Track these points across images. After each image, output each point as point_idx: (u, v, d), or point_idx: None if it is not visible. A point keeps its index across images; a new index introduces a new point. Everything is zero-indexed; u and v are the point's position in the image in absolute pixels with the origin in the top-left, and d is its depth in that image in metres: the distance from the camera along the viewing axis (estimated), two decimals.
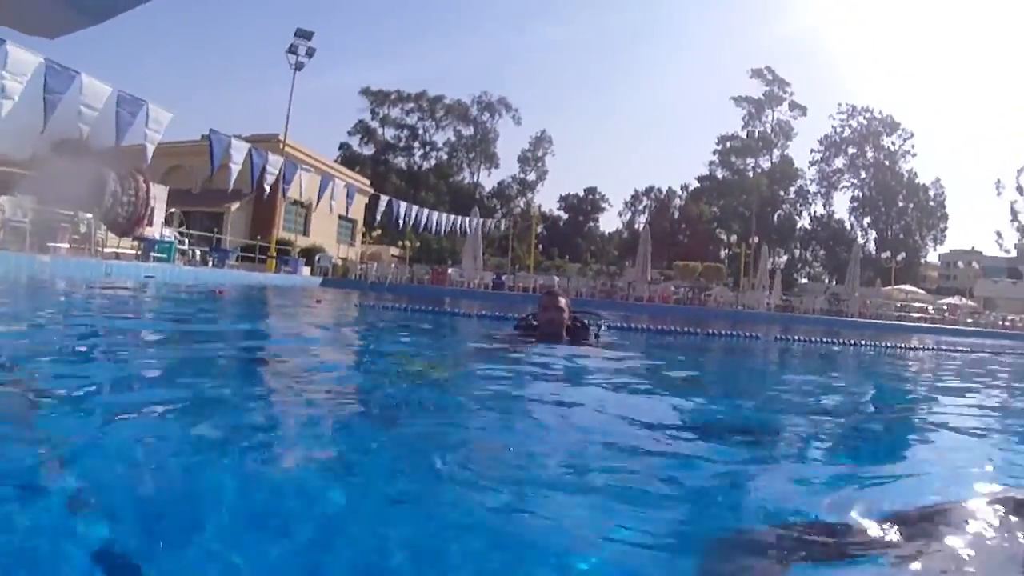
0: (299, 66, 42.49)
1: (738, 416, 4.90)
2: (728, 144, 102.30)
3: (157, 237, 27.06)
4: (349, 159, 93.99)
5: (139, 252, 25.68)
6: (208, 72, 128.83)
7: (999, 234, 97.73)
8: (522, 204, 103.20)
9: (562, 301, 7.83)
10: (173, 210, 32.87)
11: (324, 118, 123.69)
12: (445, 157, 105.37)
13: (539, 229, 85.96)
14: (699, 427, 4.20)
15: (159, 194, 28.87)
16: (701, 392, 6.34)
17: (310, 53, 42.74)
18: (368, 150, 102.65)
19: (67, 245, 21.27)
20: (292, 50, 42.42)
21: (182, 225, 33.56)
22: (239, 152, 23.13)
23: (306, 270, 38.28)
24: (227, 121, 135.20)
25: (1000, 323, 49.39)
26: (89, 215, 23.31)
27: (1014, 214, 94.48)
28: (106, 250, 24.45)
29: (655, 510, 2.36)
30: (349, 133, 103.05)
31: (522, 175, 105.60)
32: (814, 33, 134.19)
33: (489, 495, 2.42)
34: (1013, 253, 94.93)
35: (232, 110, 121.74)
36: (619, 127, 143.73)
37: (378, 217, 35.31)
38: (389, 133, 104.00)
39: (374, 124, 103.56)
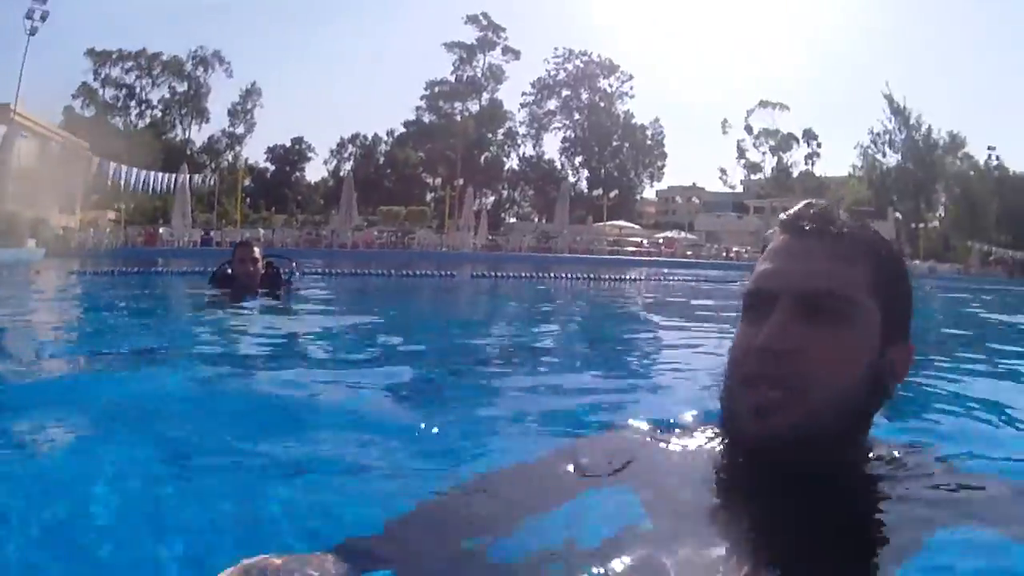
0: (33, 31, 42.50)
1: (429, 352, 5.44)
2: (436, 89, 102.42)
3: None
4: (72, 123, 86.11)
5: None
6: None
7: (723, 171, 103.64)
8: (230, 158, 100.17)
9: (256, 251, 8.11)
10: None
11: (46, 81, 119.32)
12: (159, 115, 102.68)
13: (246, 182, 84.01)
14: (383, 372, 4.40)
15: None
16: (389, 338, 6.39)
17: (44, 17, 42.94)
18: (90, 112, 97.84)
19: None
20: (28, 15, 42.31)
21: None
22: None
23: (31, 243, 34.71)
24: None
25: (724, 255, 52.32)
26: None
27: (741, 152, 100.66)
28: None
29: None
30: (72, 96, 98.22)
31: (231, 129, 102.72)
32: None
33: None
34: (739, 189, 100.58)
35: None
36: (329, 75, 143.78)
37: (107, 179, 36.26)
38: (109, 94, 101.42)
39: (96, 85, 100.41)
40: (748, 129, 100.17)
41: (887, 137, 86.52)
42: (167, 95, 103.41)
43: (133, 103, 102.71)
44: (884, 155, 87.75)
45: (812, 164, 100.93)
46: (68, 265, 22.96)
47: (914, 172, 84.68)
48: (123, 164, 38.52)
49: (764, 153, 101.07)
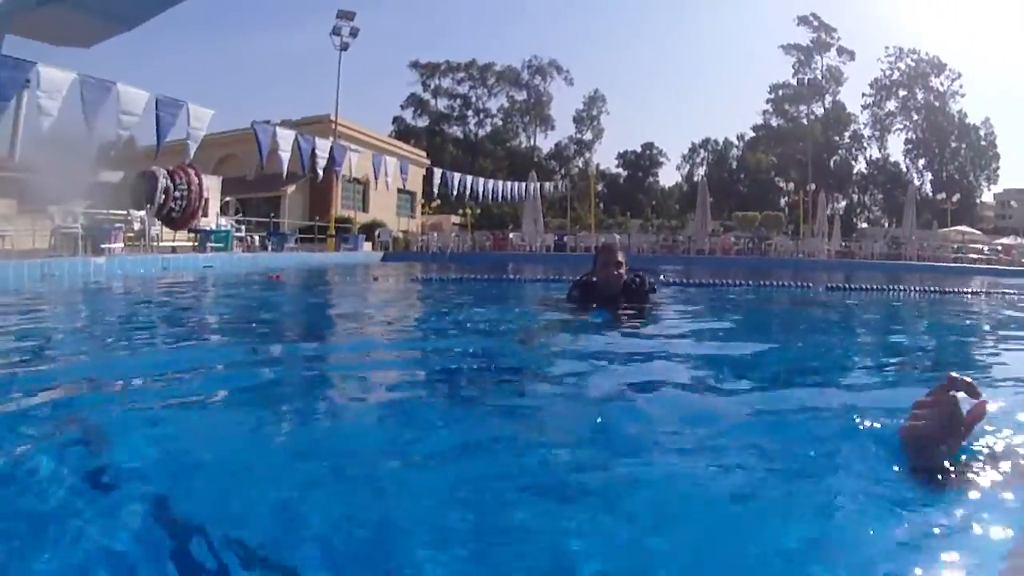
0: (344, 47, 42.42)
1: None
2: (780, 92, 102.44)
3: (212, 227, 27.33)
4: (403, 132, 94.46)
5: (196, 243, 26.09)
6: (255, 60, 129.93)
7: None
8: (580, 164, 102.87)
9: (620, 255, 7.71)
10: (228, 199, 33.20)
11: (376, 94, 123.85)
12: (500, 123, 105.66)
13: (598, 188, 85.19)
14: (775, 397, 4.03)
15: (212, 184, 29.15)
16: (766, 357, 5.91)
17: (354, 33, 42.69)
18: (422, 122, 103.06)
19: (121, 245, 21.42)
20: (336, 32, 42.34)
21: (238, 213, 34.06)
22: (286, 140, 23.45)
23: (367, 246, 38.39)
24: (279, 105, 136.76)
25: None
26: (142, 212, 23.59)
27: None
28: (162, 244, 24.81)
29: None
30: (401, 107, 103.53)
31: (578, 135, 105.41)
32: None
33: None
34: None
35: (283, 94, 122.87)
36: (671, 81, 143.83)
37: (435, 189, 35.33)
38: (442, 104, 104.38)
39: (426, 96, 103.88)
40: None
41: None
42: (506, 104, 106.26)
43: (470, 112, 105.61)
44: None
45: None
46: (413, 268, 24.07)
47: None
48: (470, 171, 33.73)
49: None
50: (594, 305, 7.52)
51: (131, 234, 23.56)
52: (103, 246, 20.14)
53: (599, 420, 3.21)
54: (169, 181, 23.94)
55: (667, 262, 31.32)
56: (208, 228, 26.85)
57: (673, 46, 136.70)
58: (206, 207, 26.94)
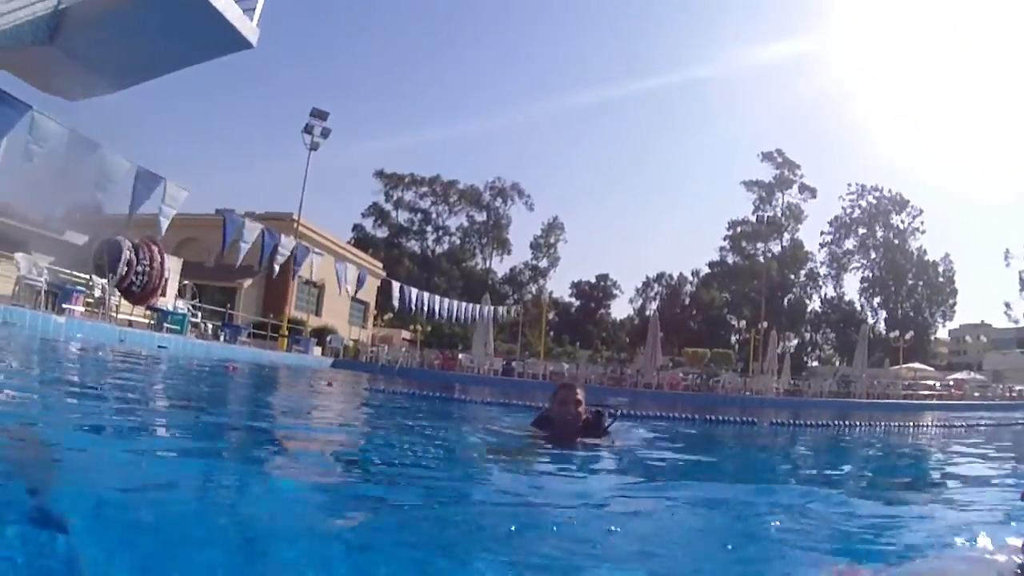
0: (314, 146, 42.63)
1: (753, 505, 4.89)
2: (739, 229, 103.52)
3: (170, 308, 27.27)
4: (362, 241, 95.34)
5: (152, 322, 26.04)
6: (227, 146, 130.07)
7: (1008, 305, 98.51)
8: (534, 290, 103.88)
9: (579, 394, 7.72)
10: (187, 282, 33.12)
11: (339, 195, 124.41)
12: (458, 242, 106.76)
13: (550, 315, 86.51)
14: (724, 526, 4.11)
15: (173, 265, 29.30)
16: (719, 487, 6.20)
17: (325, 133, 43.06)
18: (381, 232, 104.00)
19: (81, 308, 21.46)
20: (307, 130, 42.59)
21: (195, 298, 34.00)
22: (252, 232, 23.42)
23: (317, 350, 38.29)
24: (243, 195, 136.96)
25: (1008, 394, 50.13)
26: (104, 280, 23.61)
27: (1023, 283, 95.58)
28: (120, 316, 24.72)
29: None
30: (363, 215, 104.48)
31: (534, 261, 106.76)
32: (826, 111, 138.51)
33: None
34: (1022, 323, 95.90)
35: (248, 184, 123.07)
36: (631, 214, 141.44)
37: (395, 303, 35.52)
38: (402, 216, 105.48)
39: (388, 207, 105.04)
40: None
41: None
42: (465, 223, 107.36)
43: (430, 228, 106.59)
44: None
45: None
46: (360, 378, 24.33)
47: None
48: (423, 289, 36.80)
49: None
50: (550, 439, 7.50)
51: (90, 300, 23.59)
52: (64, 306, 20.19)
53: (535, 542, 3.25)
54: (133, 254, 23.97)
55: (615, 394, 31.14)
56: (166, 309, 26.84)
57: (637, 178, 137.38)
58: (165, 287, 26.97)
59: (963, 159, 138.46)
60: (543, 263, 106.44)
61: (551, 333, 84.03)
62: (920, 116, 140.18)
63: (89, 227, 25.20)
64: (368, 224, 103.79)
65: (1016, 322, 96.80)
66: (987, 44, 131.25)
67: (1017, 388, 51.69)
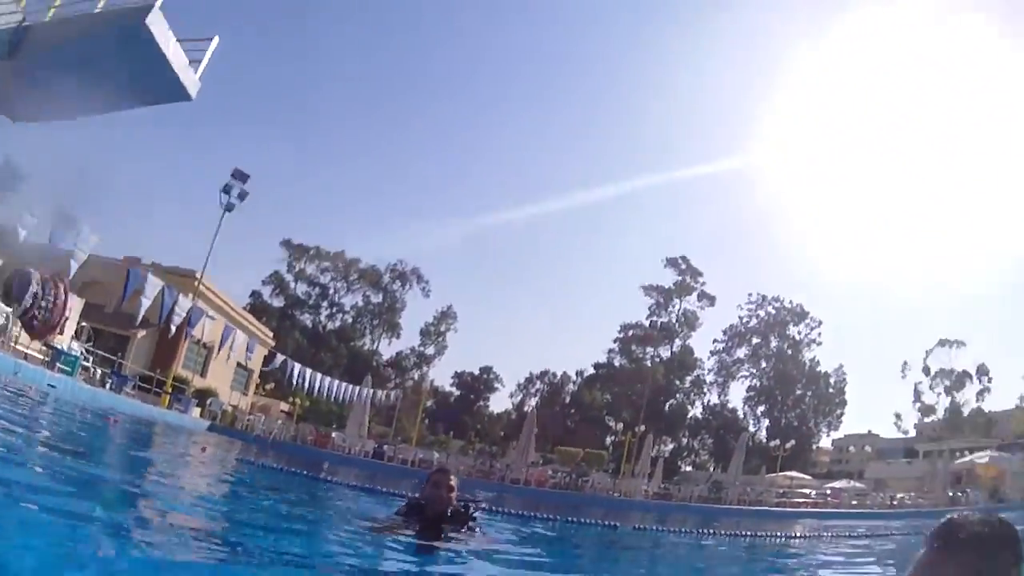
0: (229, 207, 42.00)
1: None
2: (631, 332, 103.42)
3: (65, 348, 27.49)
4: (258, 307, 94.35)
5: (47, 359, 26.11)
6: (145, 192, 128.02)
7: (898, 416, 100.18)
8: (416, 376, 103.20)
9: (452, 480, 7.82)
10: (84, 324, 33.34)
11: (246, 255, 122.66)
12: (350, 321, 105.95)
13: (428, 403, 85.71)
14: None
15: (75, 305, 28.98)
16: None
17: (243, 196, 42.41)
18: (278, 302, 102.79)
19: None
20: (226, 190, 42.31)
21: (90, 340, 33.94)
22: (153, 288, 24.47)
23: (196, 411, 38.52)
24: (154, 243, 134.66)
25: (889, 503, 50.49)
26: (9, 309, 23.37)
27: (918, 395, 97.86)
28: (17, 347, 24.45)
29: None
30: (263, 282, 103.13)
31: (421, 348, 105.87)
32: (734, 226, 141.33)
33: None
34: (912, 433, 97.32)
35: (161, 233, 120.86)
36: (526, 309, 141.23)
37: (286, 379, 36.18)
38: (301, 288, 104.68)
39: (288, 277, 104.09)
40: (926, 371, 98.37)
41: None
42: (360, 303, 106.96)
43: (325, 304, 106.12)
44: None
45: (982, 400, 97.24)
46: (233, 446, 25.06)
47: None
48: (307, 366, 37.64)
49: (939, 394, 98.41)
50: (417, 527, 7.58)
51: None
52: None
53: None
54: (40, 288, 23.83)
55: (482, 487, 30.69)
56: (61, 348, 27.13)
57: (539, 277, 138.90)
58: (64, 325, 26.95)
59: (867, 272, 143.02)
60: (430, 350, 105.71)
61: (426, 421, 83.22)
62: (829, 230, 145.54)
63: (3, 252, 25.37)
64: (266, 292, 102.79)
65: (905, 433, 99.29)
66: (895, 162, 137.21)
67: (898, 496, 52.64)
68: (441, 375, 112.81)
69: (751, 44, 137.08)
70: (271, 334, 65.57)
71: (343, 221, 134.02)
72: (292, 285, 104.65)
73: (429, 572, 6.34)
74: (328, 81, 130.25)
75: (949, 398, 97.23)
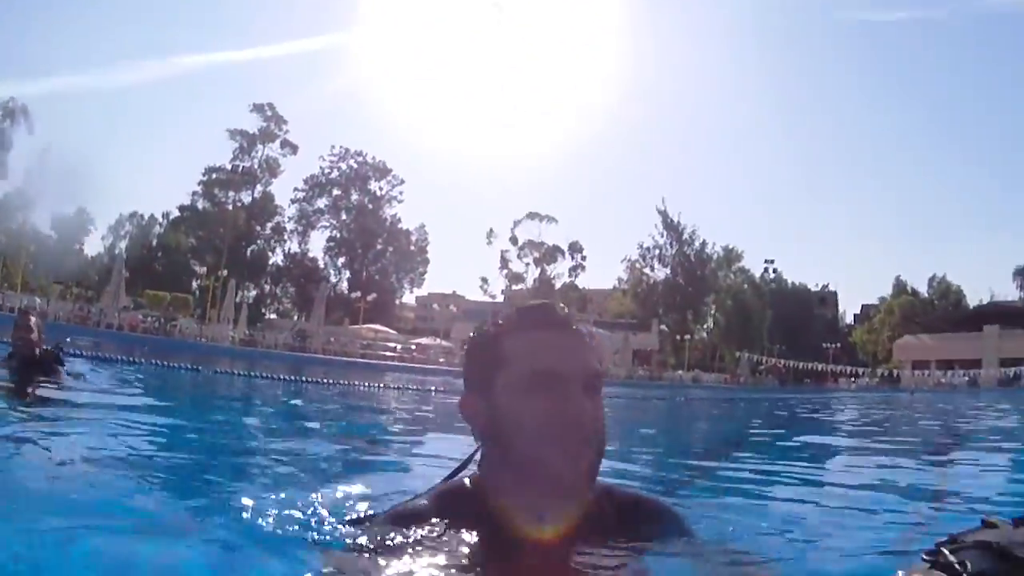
0: None
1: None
2: (214, 176, 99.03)
3: None
4: None
5: None
6: None
7: (484, 279, 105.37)
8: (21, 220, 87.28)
9: (32, 321, 7.76)
10: None
11: None
12: None
13: (31, 248, 75.41)
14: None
15: None
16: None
17: None
18: None
19: None
20: None
21: None
22: None
23: None
24: None
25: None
26: None
27: (505, 262, 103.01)
28: None
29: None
30: None
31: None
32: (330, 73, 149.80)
33: None
34: (500, 299, 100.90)
35: None
36: (118, 141, 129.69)
37: None
38: None
39: None
40: (513, 240, 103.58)
41: (657, 252, 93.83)
42: None
43: None
44: (653, 269, 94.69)
45: (576, 276, 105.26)
46: None
47: (683, 286, 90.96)
48: None
49: (528, 264, 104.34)
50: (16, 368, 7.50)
51: None
52: None
53: None
54: None
55: (80, 333, 29.93)
56: None
57: (134, 104, 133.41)
58: None
59: (455, 143, 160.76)
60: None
61: (31, 266, 74.50)
62: (421, 98, 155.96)
63: None
64: None
65: (493, 297, 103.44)
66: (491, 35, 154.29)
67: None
68: (42, 219, 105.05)
69: None
70: None
71: None
72: None
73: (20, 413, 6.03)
74: None
75: (539, 269, 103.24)
